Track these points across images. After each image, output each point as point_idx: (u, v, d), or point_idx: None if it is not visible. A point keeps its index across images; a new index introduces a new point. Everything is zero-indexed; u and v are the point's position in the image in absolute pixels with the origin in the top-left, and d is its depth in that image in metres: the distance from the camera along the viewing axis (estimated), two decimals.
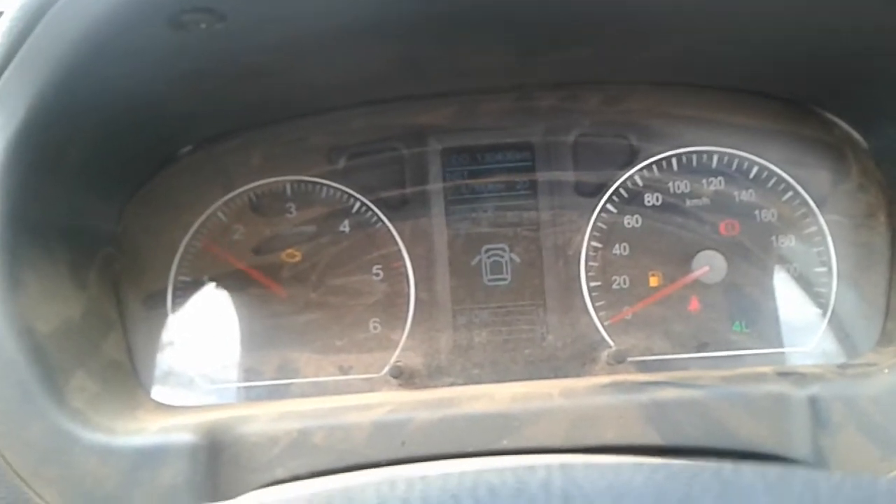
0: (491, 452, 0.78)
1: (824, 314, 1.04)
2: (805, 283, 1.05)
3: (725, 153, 1.07)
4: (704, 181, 1.07)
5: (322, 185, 1.09)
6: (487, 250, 1.08)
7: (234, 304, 1.08)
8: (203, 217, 1.09)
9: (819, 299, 1.04)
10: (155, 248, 1.07)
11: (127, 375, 0.99)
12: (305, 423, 0.81)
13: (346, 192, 1.09)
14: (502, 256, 1.08)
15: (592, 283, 1.06)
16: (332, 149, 1.10)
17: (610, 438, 0.79)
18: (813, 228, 1.05)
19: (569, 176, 1.09)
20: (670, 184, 1.08)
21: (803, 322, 1.04)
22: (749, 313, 1.04)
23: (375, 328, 1.07)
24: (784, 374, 0.85)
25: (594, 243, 1.07)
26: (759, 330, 1.04)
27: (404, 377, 1.03)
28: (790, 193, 1.06)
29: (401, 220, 1.09)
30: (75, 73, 0.76)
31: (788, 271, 1.05)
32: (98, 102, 0.85)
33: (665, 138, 1.08)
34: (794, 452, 0.78)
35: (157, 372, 1.04)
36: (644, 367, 1.03)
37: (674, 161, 1.08)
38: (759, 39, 0.90)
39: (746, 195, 1.06)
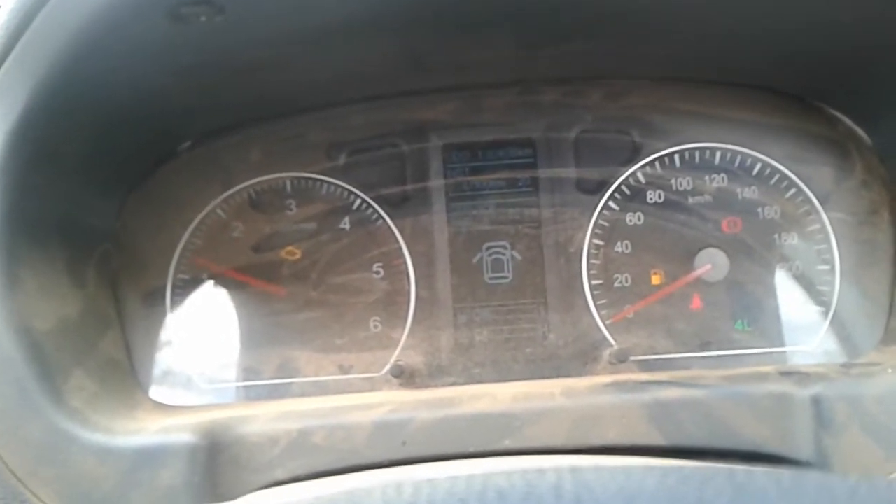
0: (492, 453, 0.78)
1: (827, 312, 1.03)
2: (808, 281, 1.04)
3: (728, 149, 1.06)
4: (707, 178, 1.07)
5: (322, 181, 1.09)
6: (489, 248, 1.08)
7: (234, 303, 1.07)
8: (202, 214, 1.08)
9: (822, 297, 1.04)
10: (153, 246, 1.06)
11: (125, 374, 0.98)
12: (305, 423, 0.80)
13: (347, 189, 1.08)
14: (503, 254, 1.07)
15: (594, 282, 1.06)
16: (332, 145, 1.09)
17: (612, 438, 0.78)
18: (816, 226, 1.04)
19: (570, 172, 1.08)
20: (673, 181, 1.07)
21: (806, 320, 1.03)
22: (751, 311, 1.04)
23: (376, 327, 1.06)
24: (787, 374, 0.85)
25: (596, 241, 1.07)
26: (762, 328, 1.03)
27: (405, 376, 1.02)
28: (793, 190, 1.05)
29: (401, 218, 1.08)
30: (74, 68, 0.76)
31: (791, 269, 1.05)
32: (97, 97, 0.84)
33: (668, 134, 1.07)
34: (797, 453, 0.77)
35: (156, 371, 1.03)
36: (646, 366, 1.03)
37: (676, 157, 1.07)
38: (763, 34, 0.90)
39: (749, 192, 1.06)
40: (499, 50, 0.96)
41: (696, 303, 1.05)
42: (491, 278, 1.07)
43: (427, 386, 1.03)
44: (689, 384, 0.82)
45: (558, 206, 1.07)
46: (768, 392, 0.80)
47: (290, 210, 1.08)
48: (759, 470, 0.41)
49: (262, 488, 0.77)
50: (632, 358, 1.03)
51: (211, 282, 1.07)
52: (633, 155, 1.07)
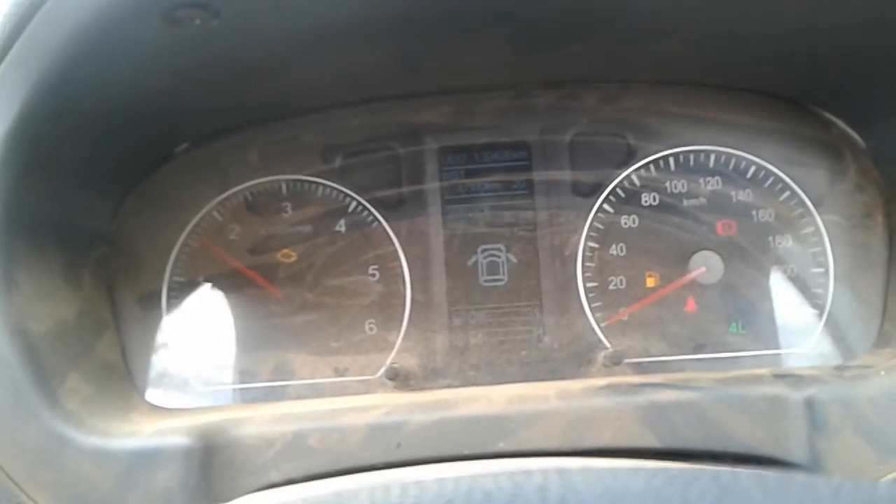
0: (487, 455, 0.78)
1: (821, 315, 1.03)
2: (802, 284, 1.05)
3: (723, 152, 1.07)
4: (701, 181, 1.07)
5: (318, 184, 1.09)
6: (484, 250, 1.08)
7: (230, 305, 1.07)
8: (198, 216, 1.08)
9: (816, 300, 1.04)
10: (150, 248, 1.06)
11: (121, 377, 0.98)
12: (301, 426, 0.80)
13: (342, 192, 1.09)
14: (499, 257, 1.08)
15: (589, 284, 1.06)
16: (327, 148, 1.09)
17: (606, 441, 0.78)
18: (810, 229, 1.05)
19: (565, 175, 1.08)
20: (667, 183, 1.07)
21: (800, 323, 1.04)
22: (746, 314, 1.04)
23: (371, 329, 1.06)
24: (780, 377, 0.85)
25: (591, 243, 1.07)
26: (756, 331, 1.04)
27: (400, 379, 1.02)
28: (787, 193, 1.06)
29: (397, 220, 1.08)
30: (70, 70, 0.76)
31: (785, 272, 1.05)
32: (93, 99, 0.84)
33: (662, 137, 1.07)
34: (790, 455, 0.78)
35: (152, 373, 1.03)
36: (640, 368, 1.03)
37: (671, 160, 1.08)
38: (758, 38, 0.90)
39: (743, 195, 1.06)
40: (494, 53, 0.96)
41: (691, 305, 1.05)
42: (486, 281, 1.07)
43: (422, 388, 1.03)
44: (684, 387, 0.82)
45: (553, 208, 1.08)
46: (762, 395, 0.80)
47: (286, 213, 1.09)
48: (743, 471, 0.42)
49: (257, 490, 0.77)
50: (626, 360, 1.03)
51: (207, 284, 1.07)
52: (628, 158, 1.08)
